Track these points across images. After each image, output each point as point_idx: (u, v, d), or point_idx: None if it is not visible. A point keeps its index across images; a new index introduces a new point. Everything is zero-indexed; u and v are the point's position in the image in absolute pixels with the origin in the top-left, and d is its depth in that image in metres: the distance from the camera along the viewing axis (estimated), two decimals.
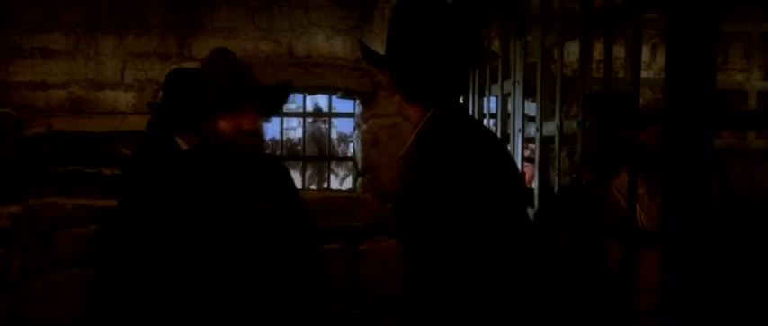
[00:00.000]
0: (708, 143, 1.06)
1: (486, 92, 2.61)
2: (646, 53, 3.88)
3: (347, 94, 3.99)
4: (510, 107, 2.37)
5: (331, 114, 4.54)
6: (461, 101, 1.67)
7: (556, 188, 2.06)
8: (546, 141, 2.14)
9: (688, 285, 1.15)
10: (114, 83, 3.74)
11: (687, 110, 1.10)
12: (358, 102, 4.08)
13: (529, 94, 2.32)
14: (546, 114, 2.14)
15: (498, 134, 2.51)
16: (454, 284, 1.41)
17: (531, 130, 2.10)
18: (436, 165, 1.44)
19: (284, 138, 4.77)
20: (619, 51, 3.71)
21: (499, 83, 2.46)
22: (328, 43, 3.85)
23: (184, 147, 2.48)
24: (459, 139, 1.48)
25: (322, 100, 5.31)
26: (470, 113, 2.83)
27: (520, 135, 2.20)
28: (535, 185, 2.04)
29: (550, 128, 1.92)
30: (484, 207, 1.42)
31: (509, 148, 2.42)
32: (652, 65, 3.89)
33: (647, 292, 1.94)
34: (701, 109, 1.06)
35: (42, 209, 3.54)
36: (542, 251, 1.64)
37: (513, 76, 2.29)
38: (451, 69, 1.55)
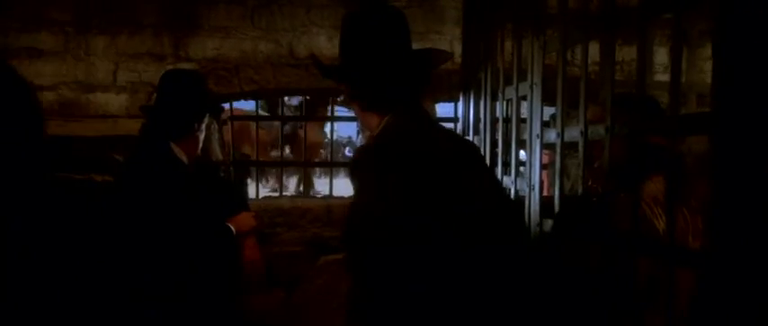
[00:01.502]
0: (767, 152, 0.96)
1: (500, 95, 2.52)
2: (663, 55, 3.78)
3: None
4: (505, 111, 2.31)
5: (333, 118, 4.48)
6: (418, 104, 1.66)
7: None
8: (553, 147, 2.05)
9: (740, 312, 1.05)
10: (106, 85, 3.67)
11: (743, 114, 1.00)
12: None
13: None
14: (564, 120, 2.05)
15: (512, 141, 2.42)
16: (378, 297, 1.45)
17: (551, 135, 2.00)
18: (374, 175, 1.48)
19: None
20: (628, 53, 3.63)
21: (514, 85, 2.36)
22: (331, 44, 3.76)
23: (182, 157, 2.42)
24: (404, 148, 1.52)
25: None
26: (481, 117, 2.74)
27: (538, 141, 2.10)
28: (556, 194, 1.94)
29: (573, 133, 1.82)
30: (415, 219, 1.43)
31: (522, 154, 2.33)
32: (670, 68, 3.77)
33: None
34: (760, 113, 0.96)
35: None
36: (512, 265, 1.60)
37: (529, 77, 2.19)
38: (403, 74, 1.61)
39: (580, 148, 1.76)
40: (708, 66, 3.72)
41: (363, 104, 1.66)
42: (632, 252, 1.54)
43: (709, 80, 3.67)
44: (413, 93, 1.65)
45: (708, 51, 3.62)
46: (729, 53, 1.04)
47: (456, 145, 1.69)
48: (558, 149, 1.93)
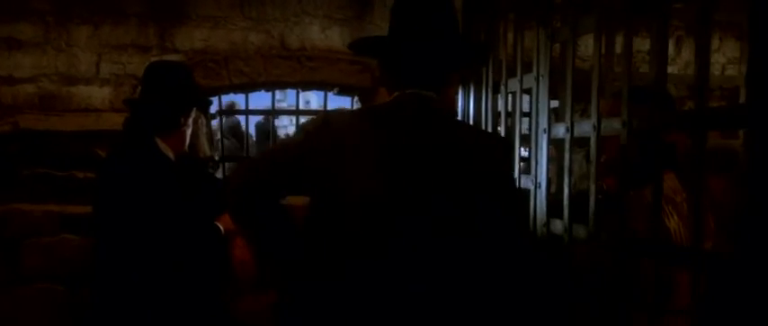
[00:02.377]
0: None
1: (502, 88, 2.44)
2: (670, 46, 3.71)
3: (345, 90, 3.81)
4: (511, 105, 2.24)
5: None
6: (428, 90, 1.65)
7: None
8: (557, 143, 1.98)
9: None
10: (88, 77, 3.54)
11: None
12: (356, 99, 3.92)
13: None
14: (564, 114, 1.98)
15: (516, 135, 2.35)
16: None
17: (559, 130, 1.93)
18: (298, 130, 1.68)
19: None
20: (641, 44, 3.56)
21: (518, 77, 2.29)
22: (324, 34, 3.67)
23: (168, 152, 2.38)
24: (342, 119, 1.65)
25: (314, 97, 5.14)
26: (482, 110, 2.66)
27: (544, 136, 2.02)
28: (565, 193, 1.87)
29: (584, 128, 1.75)
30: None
31: (525, 150, 2.26)
32: (677, 59, 3.72)
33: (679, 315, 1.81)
34: None
35: (7, 216, 3.36)
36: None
37: (535, 68, 2.12)
38: (427, 61, 1.64)
39: (592, 143, 1.69)
40: (715, 58, 3.65)
41: (380, 78, 1.76)
42: (658, 259, 1.46)
43: (717, 73, 3.61)
44: (426, 77, 1.65)
45: (716, 43, 3.57)
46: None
47: (429, 138, 1.61)
48: (567, 145, 1.86)
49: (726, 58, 3.66)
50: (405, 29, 1.64)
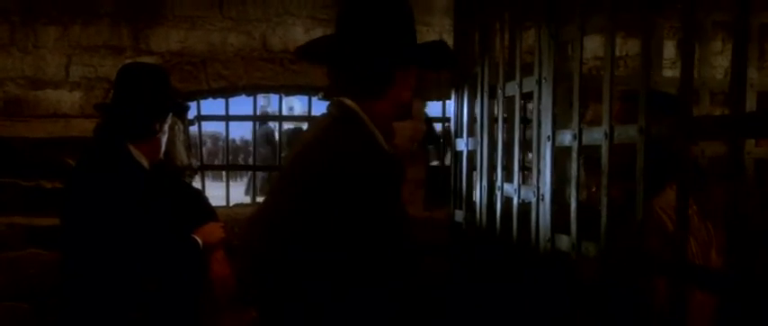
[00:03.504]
0: None
1: (499, 92, 2.34)
2: (671, 49, 3.65)
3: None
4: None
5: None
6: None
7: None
8: (563, 151, 1.90)
9: None
10: (57, 81, 3.45)
11: None
12: None
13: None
14: (564, 121, 1.89)
15: (515, 143, 2.25)
16: None
17: (566, 137, 1.83)
18: None
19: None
20: (639, 47, 3.49)
21: (516, 80, 2.19)
22: (308, 36, 3.56)
23: (142, 161, 2.32)
24: None
25: (297, 102, 5.05)
26: (477, 116, 2.57)
27: (548, 144, 1.93)
28: (572, 206, 1.77)
29: (594, 135, 1.66)
30: None
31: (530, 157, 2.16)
32: (678, 63, 3.66)
33: None
34: None
35: None
36: None
37: (537, 71, 2.02)
38: (340, 66, 1.60)
39: (603, 152, 1.60)
40: (719, 61, 3.59)
41: None
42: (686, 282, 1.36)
43: (719, 76, 3.54)
44: (340, 83, 1.60)
45: (718, 45, 3.51)
46: None
47: (291, 156, 1.67)
48: (575, 154, 1.77)
49: (728, 62, 3.61)
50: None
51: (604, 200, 1.59)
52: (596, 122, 1.76)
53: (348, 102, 1.57)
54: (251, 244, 1.57)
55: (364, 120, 1.56)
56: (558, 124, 1.90)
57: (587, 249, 1.70)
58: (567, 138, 1.81)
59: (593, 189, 2.09)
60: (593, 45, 3.25)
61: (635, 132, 1.46)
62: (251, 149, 4.42)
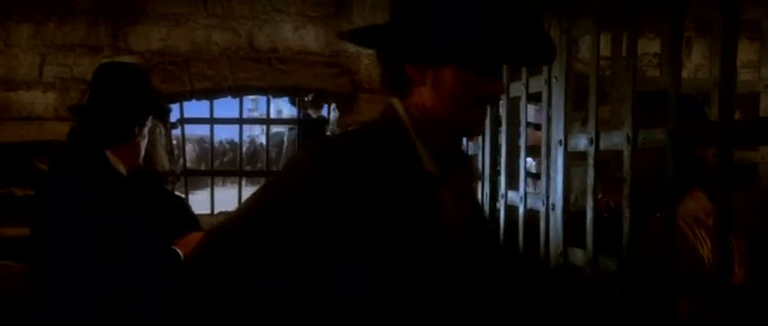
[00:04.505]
0: None
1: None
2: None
3: (321, 96, 3.62)
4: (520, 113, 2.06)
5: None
6: None
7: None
8: (573, 157, 1.80)
9: None
10: (30, 81, 3.37)
11: None
12: (333, 106, 3.72)
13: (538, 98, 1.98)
14: (570, 124, 1.79)
15: (522, 147, 2.14)
16: None
17: (580, 141, 1.72)
18: None
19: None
20: (648, 46, 3.43)
21: (523, 80, 2.08)
22: (297, 34, 3.51)
23: (120, 167, 2.25)
24: None
25: (286, 103, 4.96)
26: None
27: (560, 149, 1.81)
28: (588, 217, 1.66)
29: (615, 140, 1.54)
30: None
31: (529, 162, 2.06)
32: (686, 63, 3.59)
33: None
34: None
35: None
36: None
37: (547, 69, 1.92)
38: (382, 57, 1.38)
39: (625, 157, 1.49)
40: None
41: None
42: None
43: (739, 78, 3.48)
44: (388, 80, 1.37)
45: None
46: None
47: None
48: (591, 160, 1.66)
49: (739, 62, 3.53)
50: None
51: (627, 211, 1.48)
52: (602, 125, 1.66)
53: (393, 101, 1.32)
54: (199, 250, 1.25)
55: (404, 124, 1.29)
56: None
57: (606, 264, 1.59)
58: (581, 142, 1.70)
59: (599, 196, 2.00)
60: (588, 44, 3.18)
61: (663, 136, 1.34)
62: (239, 152, 4.32)
